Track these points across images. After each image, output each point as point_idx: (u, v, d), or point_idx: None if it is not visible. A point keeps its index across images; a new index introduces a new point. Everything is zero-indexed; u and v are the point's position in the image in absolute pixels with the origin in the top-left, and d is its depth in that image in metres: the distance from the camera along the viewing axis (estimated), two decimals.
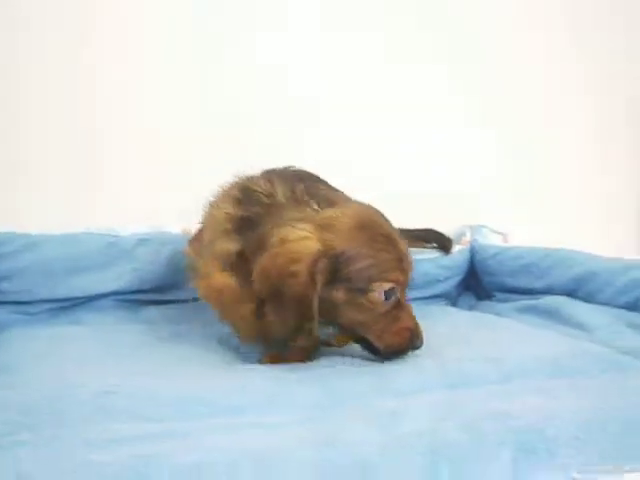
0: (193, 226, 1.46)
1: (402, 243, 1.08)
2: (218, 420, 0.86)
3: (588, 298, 1.40)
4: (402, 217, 1.56)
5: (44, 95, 1.55)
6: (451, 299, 1.70)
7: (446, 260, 1.64)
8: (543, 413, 0.83)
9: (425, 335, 1.10)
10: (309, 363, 1.11)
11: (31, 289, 1.42)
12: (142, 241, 1.49)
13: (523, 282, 1.54)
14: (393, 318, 1.06)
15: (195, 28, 1.64)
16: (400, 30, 1.77)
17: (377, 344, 1.07)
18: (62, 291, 1.44)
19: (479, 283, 1.67)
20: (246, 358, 1.19)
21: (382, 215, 1.12)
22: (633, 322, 1.29)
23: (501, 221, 1.72)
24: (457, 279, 1.67)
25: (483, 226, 1.72)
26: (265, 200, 1.14)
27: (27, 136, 1.54)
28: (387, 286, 1.05)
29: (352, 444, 0.75)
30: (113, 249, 1.47)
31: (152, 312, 1.51)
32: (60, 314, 1.46)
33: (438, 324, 1.34)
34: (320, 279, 1.01)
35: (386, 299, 1.05)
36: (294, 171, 1.25)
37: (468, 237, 1.70)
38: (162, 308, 1.52)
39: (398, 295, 1.07)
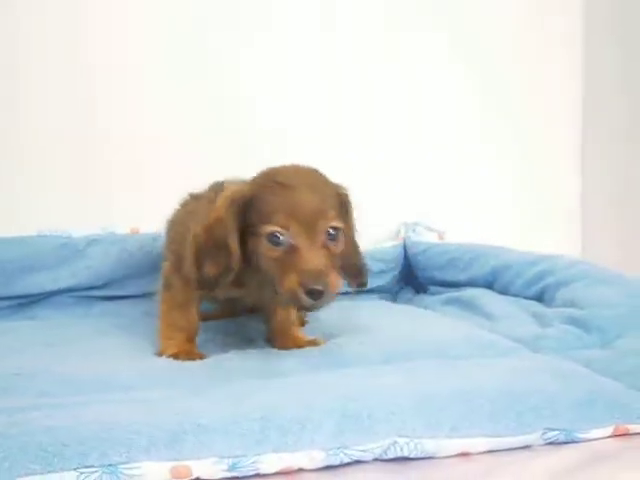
0: (140, 226, 1.59)
1: (304, 192, 1.07)
2: (102, 396, 0.97)
3: (503, 290, 1.50)
4: None
5: None
6: (392, 293, 1.79)
7: (378, 253, 1.73)
8: (377, 386, 0.93)
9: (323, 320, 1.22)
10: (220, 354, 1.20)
11: None
12: (93, 241, 1.60)
13: (449, 275, 1.63)
14: (288, 264, 1.04)
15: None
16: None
17: (278, 291, 1.06)
18: (19, 289, 1.56)
19: (416, 278, 1.76)
20: None
21: (306, 171, 1.13)
22: (536, 312, 1.37)
23: (439, 220, 1.80)
24: (392, 274, 1.77)
25: (417, 224, 1.80)
26: None
27: None
28: (269, 229, 1.05)
29: (189, 416, 0.85)
30: (66, 249, 1.59)
31: (105, 307, 1.64)
32: (18, 311, 1.58)
33: (353, 315, 1.44)
34: (232, 216, 1.09)
35: (273, 244, 1.06)
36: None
37: (402, 234, 1.79)
38: (115, 303, 1.64)
39: (290, 240, 1.05)
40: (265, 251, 1.07)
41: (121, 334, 1.39)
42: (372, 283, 1.71)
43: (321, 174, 1.14)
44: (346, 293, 1.66)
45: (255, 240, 1.08)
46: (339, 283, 1.06)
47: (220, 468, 0.82)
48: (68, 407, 0.91)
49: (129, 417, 0.84)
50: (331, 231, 1.08)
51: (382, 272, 1.75)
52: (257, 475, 0.84)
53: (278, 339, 1.29)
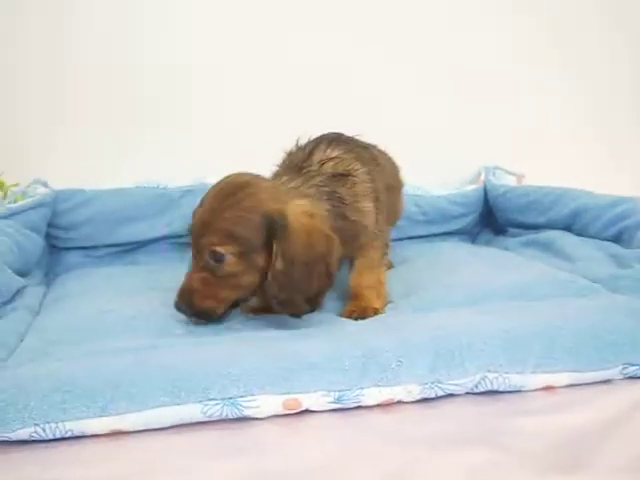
0: None
1: (203, 207, 1.12)
2: (214, 338, 1.08)
3: (581, 231, 1.54)
4: (426, 158, 1.76)
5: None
6: (472, 235, 1.86)
7: (459, 197, 1.80)
8: (466, 326, 1.01)
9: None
10: None
11: (94, 236, 1.66)
12: (187, 192, 1.69)
13: (529, 218, 1.68)
14: None
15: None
16: None
17: None
18: (120, 237, 1.67)
19: (495, 220, 1.82)
20: None
21: (226, 186, 1.14)
22: (614, 253, 1.41)
23: (518, 164, 1.84)
24: (472, 216, 1.83)
25: (497, 167, 1.85)
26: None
27: (82, 109, 1.75)
28: None
29: (298, 354, 0.94)
30: (162, 200, 1.69)
31: None
32: (120, 256, 1.70)
33: (439, 258, 1.52)
34: None
35: None
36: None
37: (482, 177, 1.84)
38: None
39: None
40: None
41: None
42: (453, 225, 1.80)
43: (245, 189, 1.12)
44: (427, 236, 1.76)
45: None
46: (207, 306, 1.12)
47: (326, 400, 0.91)
48: (186, 346, 1.02)
49: (245, 355, 0.94)
50: (214, 254, 1.10)
51: (463, 215, 1.81)
52: (359, 407, 0.93)
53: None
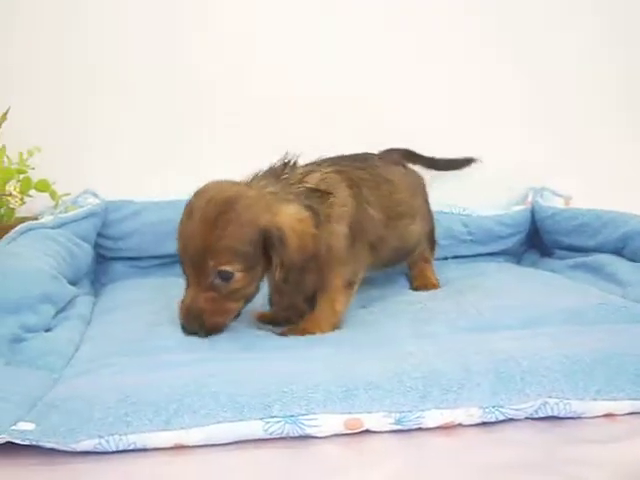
0: None
1: (198, 227, 1.13)
2: (270, 354, 1.08)
3: (632, 256, 1.51)
4: (474, 178, 1.75)
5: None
6: (517, 255, 1.85)
7: (507, 218, 1.79)
8: (526, 350, 1.00)
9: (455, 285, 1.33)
10: None
11: (142, 247, 1.69)
12: None
13: (577, 241, 1.66)
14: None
15: None
16: None
17: None
18: (166, 249, 1.66)
19: (541, 241, 1.81)
20: None
21: (220, 197, 1.15)
22: None
23: (565, 186, 1.83)
24: (519, 237, 1.82)
25: (545, 189, 1.84)
26: None
27: (134, 125, 1.78)
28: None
29: (360, 373, 0.94)
30: None
31: None
32: (166, 268, 1.70)
33: (486, 278, 1.51)
34: None
35: None
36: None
37: (530, 199, 1.84)
38: None
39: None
40: None
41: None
42: (499, 246, 1.80)
43: (237, 203, 1.14)
44: (472, 255, 1.76)
45: None
46: (216, 322, 1.16)
47: (387, 422, 0.91)
48: (244, 361, 1.03)
49: (307, 373, 0.94)
50: (221, 274, 1.13)
51: (510, 236, 1.80)
52: (419, 429, 0.92)
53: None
